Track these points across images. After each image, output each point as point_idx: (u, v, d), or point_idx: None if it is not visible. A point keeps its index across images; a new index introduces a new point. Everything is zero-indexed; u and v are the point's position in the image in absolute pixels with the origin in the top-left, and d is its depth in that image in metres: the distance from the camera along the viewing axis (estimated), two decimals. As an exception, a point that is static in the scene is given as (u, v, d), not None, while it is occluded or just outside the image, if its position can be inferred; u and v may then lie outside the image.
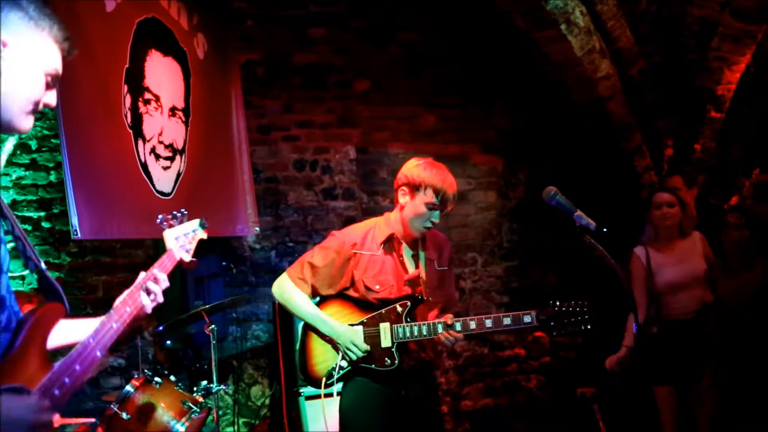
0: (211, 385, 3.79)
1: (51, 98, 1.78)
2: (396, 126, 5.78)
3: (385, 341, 3.19)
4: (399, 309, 3.20)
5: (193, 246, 2.40)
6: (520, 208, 6.10)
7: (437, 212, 3.19)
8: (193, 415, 3.53)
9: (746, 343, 4.22)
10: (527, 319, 3.12)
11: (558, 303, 3.14)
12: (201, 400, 3.63)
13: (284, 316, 4.88)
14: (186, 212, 2.42)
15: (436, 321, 3.15)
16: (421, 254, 3.30)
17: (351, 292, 3.25)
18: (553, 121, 5.93)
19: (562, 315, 3.10)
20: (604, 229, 2.88)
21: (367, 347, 3.17)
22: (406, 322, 3.18)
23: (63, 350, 1.83)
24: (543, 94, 5.83)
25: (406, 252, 3.30)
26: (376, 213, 5.91)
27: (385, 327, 3.19)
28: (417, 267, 3.28)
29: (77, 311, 4.81)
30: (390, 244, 3.27)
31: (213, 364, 3.86)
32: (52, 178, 4.81)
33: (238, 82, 5.08)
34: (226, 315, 5.17)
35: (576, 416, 5.40)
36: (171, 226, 2.33)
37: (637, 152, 5.61)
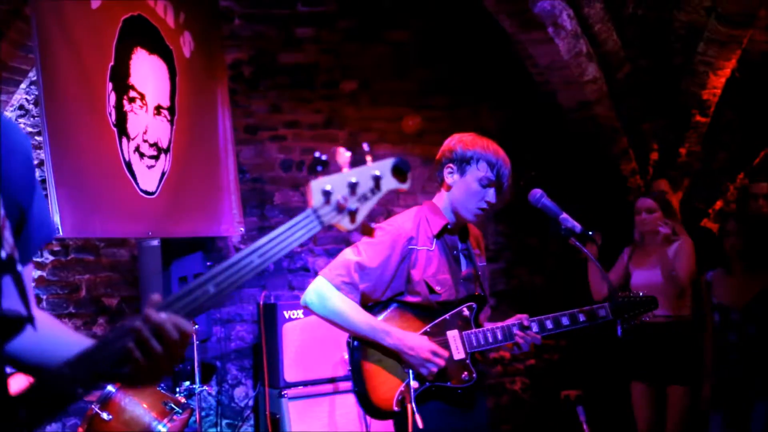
0: (194, 386, 3.77)
1: None
2: (383, 127, 5.77)
3: (458, 352, 2.71)
4: (466, 312, 2.78)
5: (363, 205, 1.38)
6: (507, 210, 6.10)
7: (492, 190, 2.75)
8: (175, 416, 3.51)
9: (736, 349, 4.27)
10: (602, 312, 2.84)
11: (625, 294, 2.95)
12: (183, 401, 3.61)
13: (269, 317, 4.86)
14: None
15: (511, 323, 2.77)
16: (468, 244, 2.89)
17: (408, 298, 2.74)
18: (540, 123, 5.94)
19: (632, 305, 2.88)
20: (590, 232, 2.89)
21: (447, 355, 2.66)
22: (476, 327, 2.77)
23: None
24: (530, 96, 5.84)
25: (456, 244, 2.84)
26: (362, 214, 5.91)
27: (453, 335, 2.73)
28: (468, 262, 2.87)
29: (59, 310, 4.78)
30: (444, 235, 2.80)
31: (195, 364, 3.83)
32: (36, 176, 4.77)
33: (225, 82, 5.06)
34: (210, 315, 5.14)
35: (561, 419, 5.41)
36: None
37: (623, 156, 5.63)
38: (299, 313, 4.74)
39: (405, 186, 1.39)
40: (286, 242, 1.28)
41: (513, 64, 5.73)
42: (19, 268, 1.24)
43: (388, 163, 1.37)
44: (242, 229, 5.21)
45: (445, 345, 2.69)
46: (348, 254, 2.72)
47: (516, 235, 6.12)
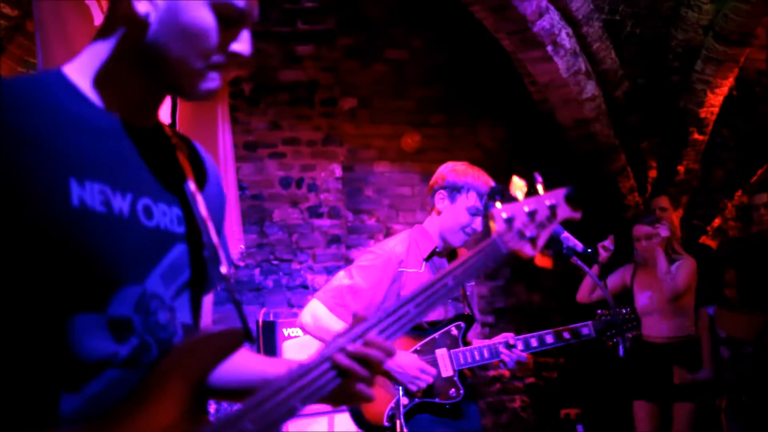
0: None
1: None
2: (382, 144, 5.78)
3: (446, 370, 2.82)
4: (454, 332, 2.88)
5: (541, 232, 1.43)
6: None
7: (480, 219, 2.88)
8: None
9: (751, 380, 4.28)
10: (585, 330, 2.98)
11: (607, 312, 3.06)
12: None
13: (268, 335, 4.84)
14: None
15: (497, 342, 2.86)
16: None
17: None
18: (539, 140, 5.96)
19: (615, 323, 3.01)
20: (588, 250, 2.90)
21: (435, 372, 2.76)
22: (464, 345, 2.87)
23: (234, 394, 1.34)
24: (528, 113, 5.87)
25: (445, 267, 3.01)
26: (361, 232, 5.92)
27: (442, 353, 2.84)
28: None
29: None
30: (433, 258, 2.93)
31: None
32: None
33: (226, 99, 5.07)
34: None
35: (560, 437, 5.38)
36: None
37: (621, 173, 5.65)
38: (298, 330, 4.72)
39: (578, 215, 1.47)
40: (476, 266, 1.34)
41: (512, 81, 5.76)
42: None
43: (561, 192, 1.46)
44: (242, 245, 5.21)
45: (434, 363, 2.81)
46: (341, 277, 2.86)
47: (515, 253, 6.11)
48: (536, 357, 5.87)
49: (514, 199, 1.40)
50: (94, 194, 1.09)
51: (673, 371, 4.32)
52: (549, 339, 2.93)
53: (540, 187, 1.42)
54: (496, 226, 1.37)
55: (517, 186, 1.41)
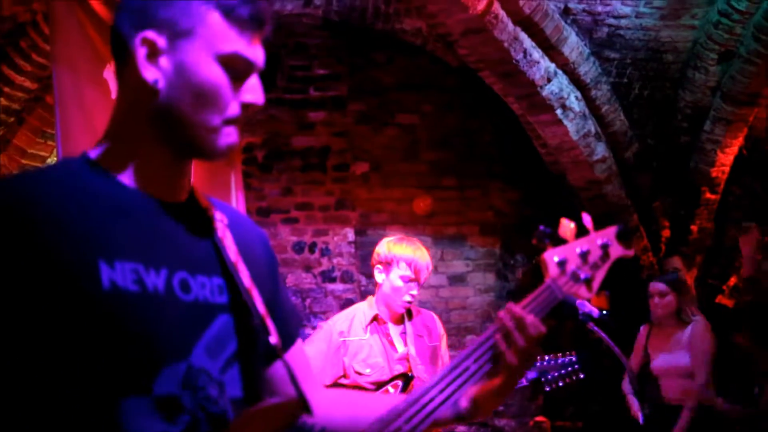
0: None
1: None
2: (394, 208, 5.81)
3: None
4: (391, 390, 3.12)
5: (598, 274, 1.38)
6: (520, 290, 6.08)
7: (414, 284, 3.19)
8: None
9: None
10: (531, 375, 3.22)
11: (546, 357, 3.23)
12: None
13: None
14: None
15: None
16: (410, 330, 3.28)
17: (343, 380, 3.18)
18: (551, 202, 5.97)
19: (550, 369, 3.17)
20: (604, 311, 2.88)
21: None
22: None
23: None
24: (540, 175, 5.90)
25: (393, 331, 3.27)
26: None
27: None
28: (405, 345, 3.26)
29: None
30: (375, 325, 3.24)
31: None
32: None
33: (239, 165, 5.13)
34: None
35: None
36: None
37: (634, 233, 5.63)
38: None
39: (630, 252, 1.42)
40: (535, 311, 1.30)
41: (523, 143, 5.81)
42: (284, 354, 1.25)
43: (612, 231, 1.40)
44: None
45: None
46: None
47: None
48: (554, 421, 5.77)
49: (564, 242, 1.35)
50: (125, 274, 1.07)
51: None
52: None
53: (590, 227, 1.37)
54: (549, 271, 1.32)
55: (567, 228, 1.36)
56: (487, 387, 1.31)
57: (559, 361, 3.26)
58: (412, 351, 3.23)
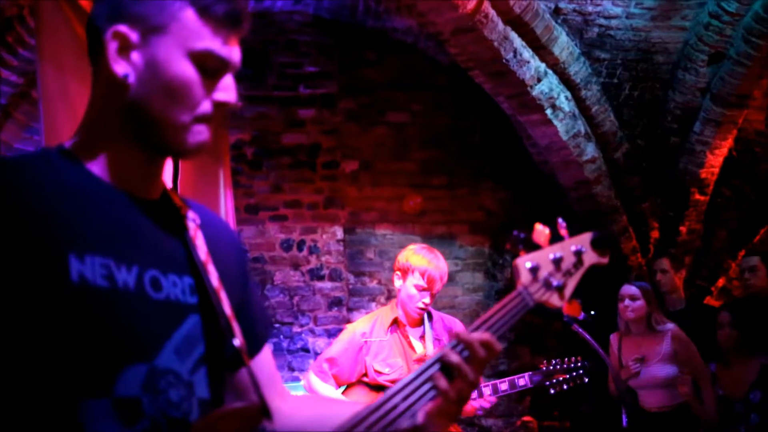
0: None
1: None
2: (384, 206, 5.80)
3: None
4: None
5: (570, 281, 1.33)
6: (509, 289, 6.07)
7: (427, 293, 3.34)
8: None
9: None
10: (521, 382, 3.43)
11: (554, 361, 3.31)
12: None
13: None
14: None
15: None
16: (429, 334, 3.45)
17: (365, 379, 3.39)
18: (540, 202, 5.97)
19: (555, 373, 3.25)
20: (592, 312, 2.87)
21: None
22: None
23: None
24: (530, 175, 5.89)
25: (411, 333, 3.46)
26: (362, 294, 5.89)
27: None
28: (424, 346, 3.44)
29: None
30: (395, 327, 3.44)
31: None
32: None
33: (227, 162, 5.11)
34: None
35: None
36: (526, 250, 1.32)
37: (623, 234, 5.64)
38: (299, 394, 4.66)
39: (605, 260, 1.36)
40: (500, 323, 1.23)
41: (513, 143, 5.81)
42: (249, 360, 1.21)
43: (587, 237, 1.34)
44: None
45: None
46: (326, 349, 3.57)
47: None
48: (541, 421, 5.77)
49: (538, 247, 1.29)
50: (95, 268, 1.05)
51: None
52: (486, 391, 3.44)
53: (564, 233, 1.31)
54: (521, 278, 1.26)
55: (541, 233, 1.30)
56: (438, 406, 1.21)
57: (566, 365, 3.39)
58: (430, 352, 3.36)
